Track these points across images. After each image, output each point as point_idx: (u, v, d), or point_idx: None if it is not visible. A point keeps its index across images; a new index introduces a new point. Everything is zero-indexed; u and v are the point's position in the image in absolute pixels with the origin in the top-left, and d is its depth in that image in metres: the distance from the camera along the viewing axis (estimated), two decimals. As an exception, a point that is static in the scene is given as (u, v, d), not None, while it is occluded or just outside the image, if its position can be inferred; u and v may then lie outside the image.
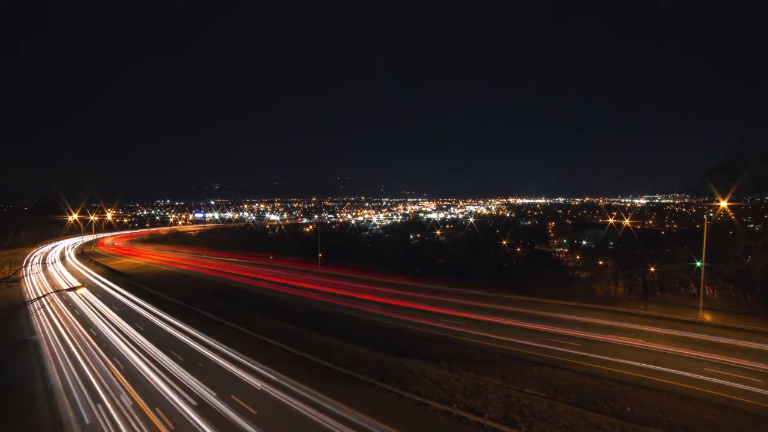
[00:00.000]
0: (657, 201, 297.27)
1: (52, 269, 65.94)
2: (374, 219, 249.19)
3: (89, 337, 30.93)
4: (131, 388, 22.13)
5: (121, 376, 23.63)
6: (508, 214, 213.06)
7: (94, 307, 40.33)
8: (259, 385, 22.17)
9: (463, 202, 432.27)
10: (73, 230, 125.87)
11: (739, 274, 38.15)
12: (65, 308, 40.15)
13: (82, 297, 44.72)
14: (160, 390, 21.84)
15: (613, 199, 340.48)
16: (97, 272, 63.16)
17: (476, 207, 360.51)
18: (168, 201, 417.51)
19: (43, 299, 41.23)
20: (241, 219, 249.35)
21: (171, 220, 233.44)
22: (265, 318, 35.60)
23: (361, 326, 33.54)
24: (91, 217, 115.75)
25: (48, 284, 52.68)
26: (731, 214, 43.31)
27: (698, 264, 37.23)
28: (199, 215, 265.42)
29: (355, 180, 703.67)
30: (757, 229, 45.12)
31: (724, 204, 39.01)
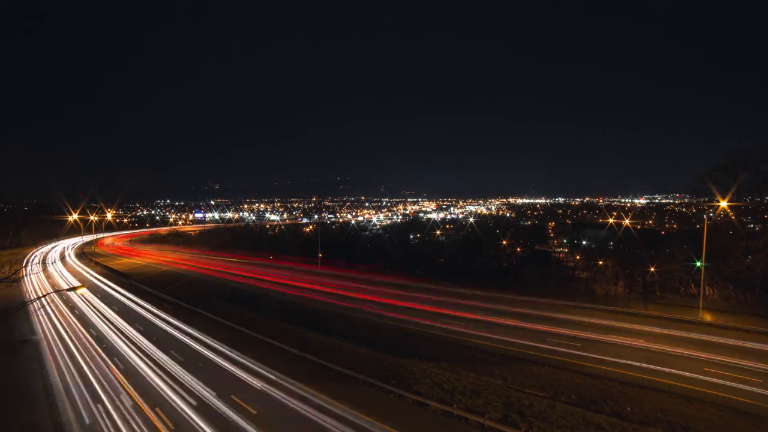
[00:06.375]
0: (657, 201, 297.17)
1: (52, 269, 65.89)
2: (374, 219, 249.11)
3: (89, 337, 30.91)
4: (131, 387, 22.11)
5: (121, 376, 23.61)
6: (508, 214, 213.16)
7: (94, 307, 40.30)
8: (259, 385, 22.16)
9: (463, 202, 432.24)
10: (73, 230, 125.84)
11: (739, 274, 38.14)
12: (65, 308, 40.12)
13: (82, 297, 44.70)
14: (159, 390, 21.82)
15: (613, 199, 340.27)
16: (97, 272, 63.14)
17: (476, 207, 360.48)
18: (168, 201, 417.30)
19: (42, 299, 41.22)
20: (241, 219, 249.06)
21: (171, 220, 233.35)
22: (264, 318, 35.56)
23: (361, 326, 33.53)
24: (91, 217, 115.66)
25: (48, 284, 52.64)
26: (731, 214, 43.29)
27: (698, 264, 37.22)
28: (199, 215, 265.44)
29: (355, 180, 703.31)
30: (757, 229, 45.10)
31: (724, 204, 39.00)
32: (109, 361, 25.96)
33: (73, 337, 30.99)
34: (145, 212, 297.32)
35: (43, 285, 52.09)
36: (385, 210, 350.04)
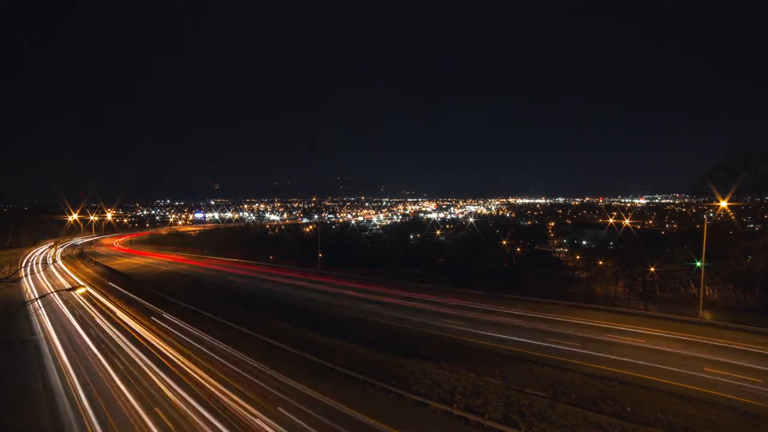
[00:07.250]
0: (657, 201, 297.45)
1: (52, 269, 65.93)
2: (374, 219, 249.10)
3: (89, 337, 30.93)
4: (131, 387, 22.12)
5: (121, 376, 23.63)
6: (508, 214, 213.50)
7: (94, 307, 40.32)
8: (259, 384, 22.17)
9: (463, 202, 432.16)
10: (73, 230, 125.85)
11: (739, 274, 38.11)
12: (65, 308, 40.13)
13: (82, 297, 44.71)
14: (159, 389, 21.84)
15: (613, 199, 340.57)
16: (97, 272, 63.15)
17: (476, 207, 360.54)
18: (168, 201, 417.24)
19: (42, 299, 41.21)
20: (241, 219, 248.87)
21: (171, 220, 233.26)
22: (264, 318, 35.58)
23: (361, 326, 33.54)
24: (91, 217, 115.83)
25: (48, 284, 52.67)
26: (731, 214, 43.24)
27: (698, 264, 37.20)
28: (199, 215, 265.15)
29: (355, 180, 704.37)
30: (757, 229, 45.07)
31: (724, 204, 38.98)
32: (108, 361, 25.93)
33: (73, 337, 30.99)
34: (145, 212, 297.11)
35: (43, 285, 52.11)
36: (385, 210, 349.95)
